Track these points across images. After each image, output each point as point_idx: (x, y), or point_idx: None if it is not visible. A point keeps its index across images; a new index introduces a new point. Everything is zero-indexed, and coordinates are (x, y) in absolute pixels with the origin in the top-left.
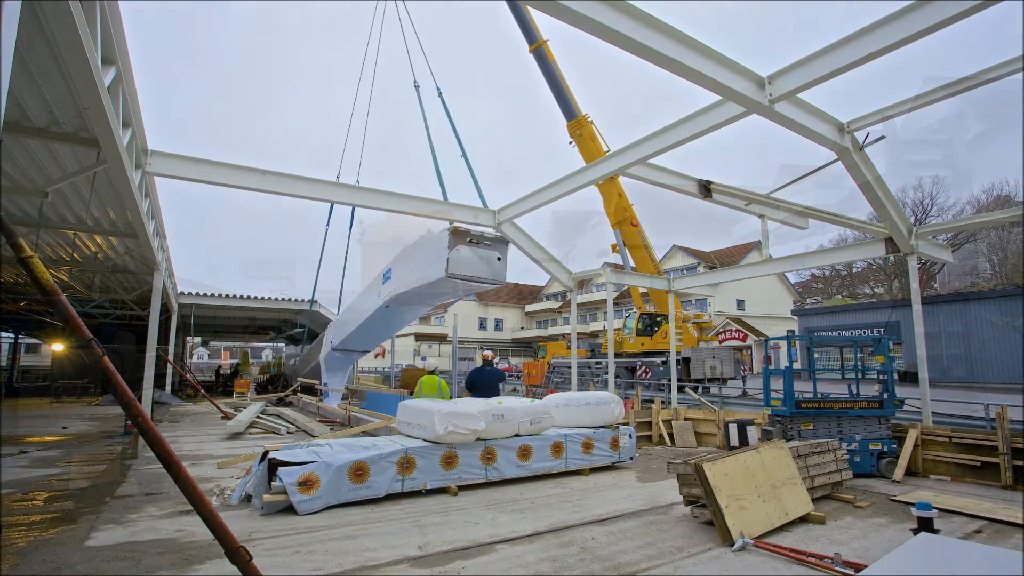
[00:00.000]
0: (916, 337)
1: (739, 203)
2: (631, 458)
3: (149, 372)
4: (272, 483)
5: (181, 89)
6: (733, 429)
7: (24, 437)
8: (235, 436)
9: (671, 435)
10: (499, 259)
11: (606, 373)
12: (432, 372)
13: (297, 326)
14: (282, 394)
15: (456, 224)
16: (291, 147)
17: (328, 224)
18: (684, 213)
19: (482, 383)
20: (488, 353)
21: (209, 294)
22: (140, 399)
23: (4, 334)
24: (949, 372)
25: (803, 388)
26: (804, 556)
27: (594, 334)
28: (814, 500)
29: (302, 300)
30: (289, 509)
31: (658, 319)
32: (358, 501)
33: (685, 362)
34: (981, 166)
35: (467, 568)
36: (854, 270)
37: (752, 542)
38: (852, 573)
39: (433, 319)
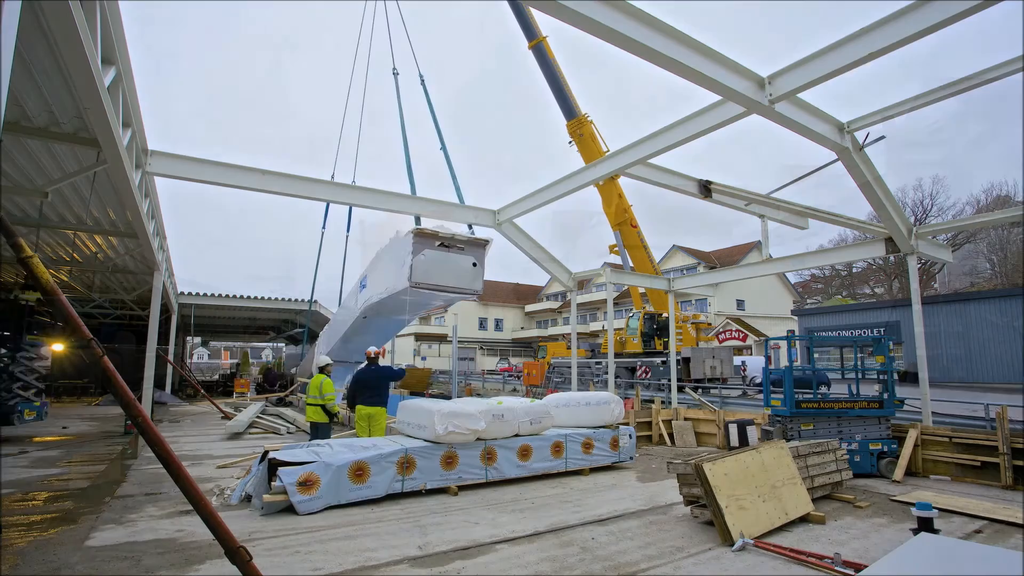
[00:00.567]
0: (916, 337)
1: (739, 203)
2: (631, 458)
3: (149, 372)
4: (272, 483)
5: (181, 89)
6: (733, 429)
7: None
8: (235, 436)
9: (671, 435)
10: (474, 265)
11: (606, 373)
12: (324, 369)
13: (297, 326)
14: (282, 394)
15: (421, 226)
16: (292, 145)
17: (324, 226)
18: (686, 212)
19: (365, 384)
20: (372, 349)
21: (209, 294)
22: (140, 399)
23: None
24: (949, 372)
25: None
26: (804, 556)
27: (594, 334)
28: (814, 500)
29: (302, 300)
30: (289, 509)
31: (659, 320)
32: (358, 501)
33: (685, 362)
34: (981, 166)
35: (467, 568)
36: (854, 270)
37: (752, 542)
38: (852, 573)
39: (433, 319)
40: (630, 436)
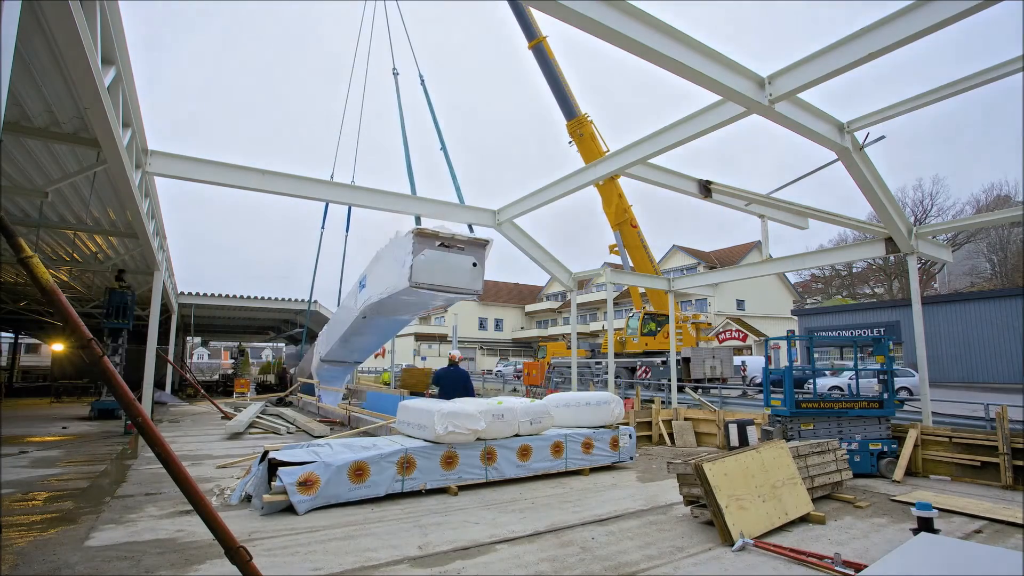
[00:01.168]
0: (916, 337)
1: (739, 203)
2: (631, 458)
3: (149, 372)
4: (272, 483)
5: (181, 88)
6: (733, 429)
7: (24, 437)
8: (235, 436)
9: (671, 435)
10: (475, 265)
11: (606, 373)
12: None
13: (297, 326)
14: (282, 394)
15: (421, 226)
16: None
17: (323, 226)
18: (687, 212)
19: (447, 384)
20: (454, 353)
21: (209, 294)
22: (140, 399)
23: (4, 334)
24: (949, 372)
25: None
26: (804, 556)
27: (594, 334)
28: (814, 500)
29: (302, 300)
30: (289, 509)
31: (659, 319)
32: (358, 501)
33: (685, 362)
34: (981, 166)
35: (467, 568)
36: (854, 270)
37: (752, 542)
38: (852, 573)
39: (433, 319)
40: (630, 436)
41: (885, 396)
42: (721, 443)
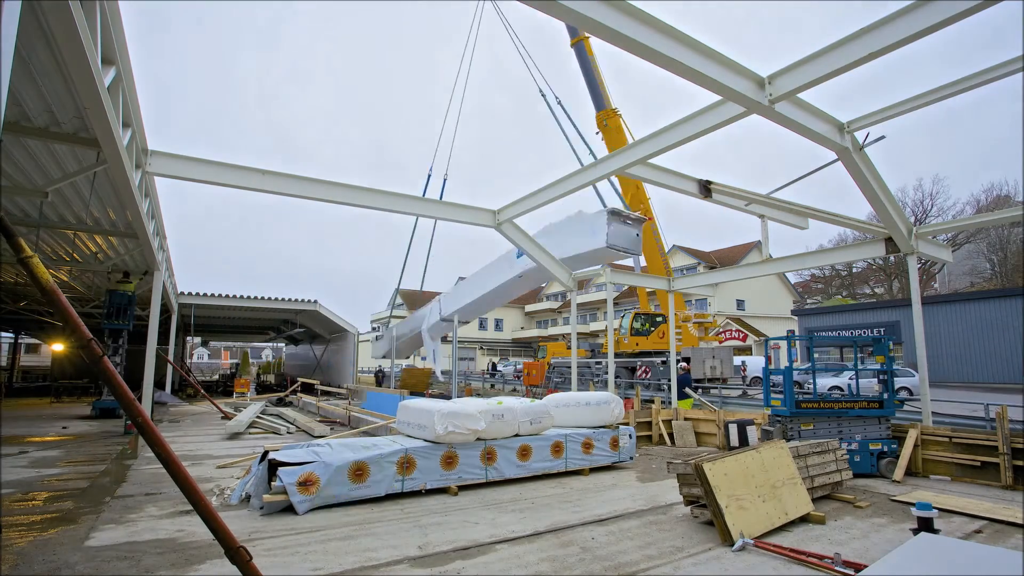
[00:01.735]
0: (916, 337)
1: (739, 203)
2: (631, 458)
3: (149, 372)
4: (272, 483)
5: (182, 88)
6: (733, 429)
7: (24, 437)
8: (235, 436)
9: (671, 435)
10: (637, 235)
11: (606, 373)
12: None
13: (297, 326)
14: (282, 394)
15: (614, 207)
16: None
17: (412, 236)
18: (686, 212)
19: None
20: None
21: (209, 294)
22: (140, 399)
23: (4, 334)
24: (949, 372)
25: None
26: (804, 556)
27: (594, 334)
28: (814, 500)
29: (302, 300)
30: (289, 509)
31: (656, 319)
32: (358, 501)
33: (686, 361)
34: (981, 166)
35: (467, 568)
36: (854, 270)
37: (752, 542)
38: (852, 573)
39: None
40: (630, 436)
41: (885, 396)
42: (721, 443)
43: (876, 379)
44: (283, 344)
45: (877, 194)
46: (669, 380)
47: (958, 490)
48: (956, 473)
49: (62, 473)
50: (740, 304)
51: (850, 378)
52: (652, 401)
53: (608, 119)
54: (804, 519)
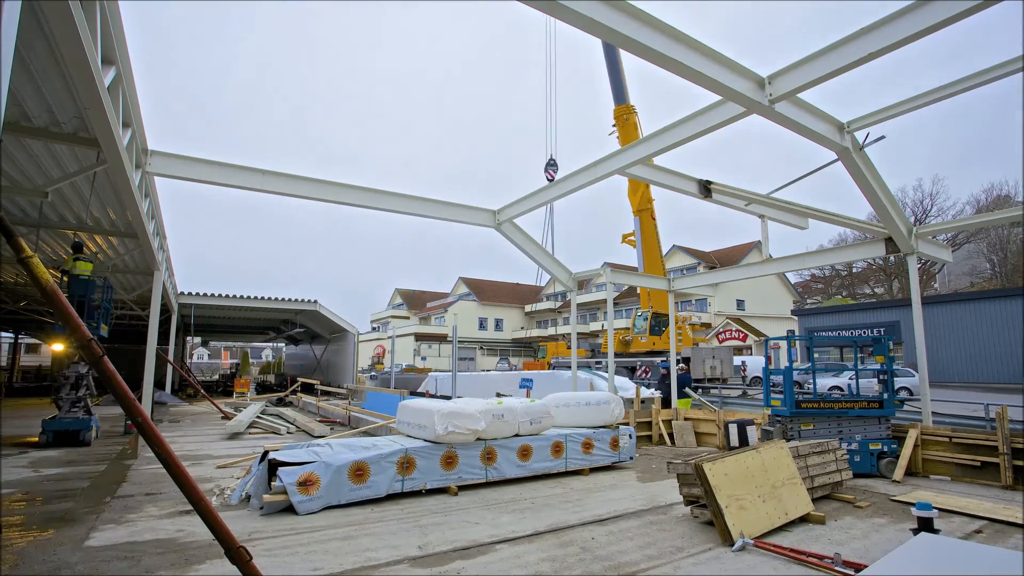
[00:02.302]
0: (916, 337)
1: (739, 203)
2: (631, 458)
3: (149, 372)
4: (272, 483)
5: (184, 87)
6: (733, 429)
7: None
8: (235, 436)
9: (671, 435)
10: None
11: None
12: None
13: (297, 326)
14: (282, 394)
15: None
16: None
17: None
18: (687, 212)
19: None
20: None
21: (209, 294)
22: (140, 399)
23: (4, 334)
24: (949, 372)
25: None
26: (804, 556)
27: (594, 334)
28: (814, 500)
29: (302, 300)
30: (289, 509)
31: (663, 319)
32: (358, 501)
33: (685, 362)
34: (981, 166)
35: (467, 568)
36: (854, 270)
37: (752, 542)
38: (852, 573)
39: (433, 319)
40: (630, 436)
41: (885, 396)
42: (721, 443)
43: (876, 379)
44: (283, 344)
45: (877, 194)
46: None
47: (958, 490)
48: (956, 473)
49: (62, 473)
50: (740, 304)
51: (850, 378)
52: (652, 401)
53: (628, 114)
54: (804, 519)
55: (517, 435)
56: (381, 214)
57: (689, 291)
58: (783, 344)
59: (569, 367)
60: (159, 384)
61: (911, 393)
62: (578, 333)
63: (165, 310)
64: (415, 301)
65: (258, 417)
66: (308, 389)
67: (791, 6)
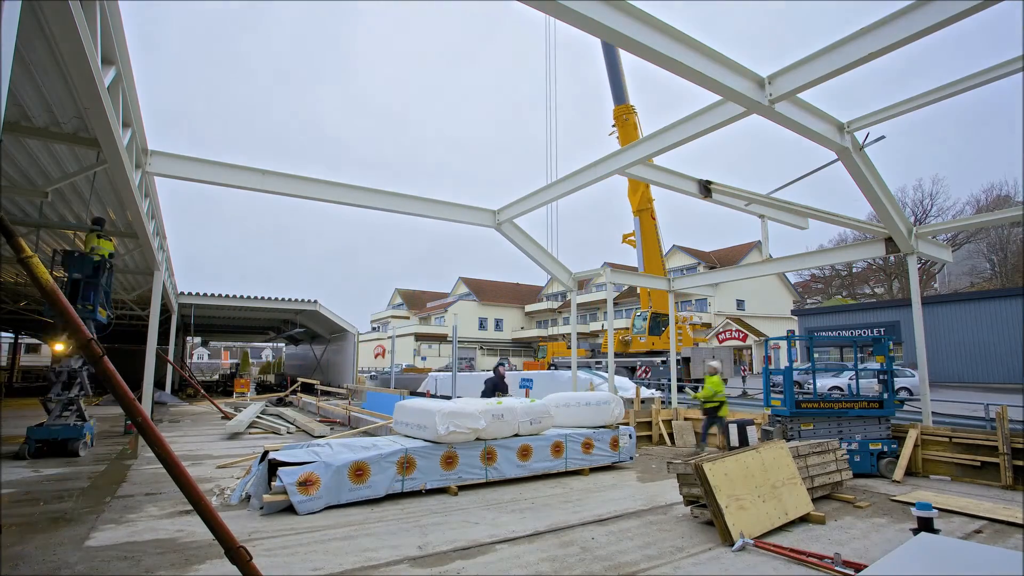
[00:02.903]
0: (916, 337)
1: (739, 203)
2: (631, 458)
3: (149, 372)
4: (272, 483)
5: (184, 86)
6: (733, 429)
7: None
8: (235, 436)
9: (671, 435)
10: None
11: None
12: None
13: (297, 326)
14: (282, 394)
15: None
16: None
17: None
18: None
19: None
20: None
21: (209, 294)
22: (140, 399)
23: (4, 334)
24: (948, 372)
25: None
26: (804, 556)
27: (594, 334)
28: (814, 500)
29: (302, 300)
30: (289, 509)
31: (663, 319)
32: (358, 501)
33: (685, 362)
34: (981, 166)
35: (467, 568)
36: (854, 270)
37: (752, 542)
38: (852, 573)
39: (433, 319)
40: (630, 436)
41: (885, 396)
42: (721, 443)
43: (876, 379)
44: (283, 344)
45: (877, 194)
46: (669, 380)
47: (958, 490)
48: (956, 473)
49: (62, 473)
50: (740, 304)
51: (850, 378)
52: (652, 401)
53: (628, 114)
54: (804, 519)
55: (517, 435)
56: (381, 214)
57: (689, 291)
58: (783, 344)
59: (569, 367)
60: (159, 384)
61: (911, 393)
62: (578, 333)
63: (165, 310)
64: (415, 301)
65: (258, 417)
66: (308, 389)
67: (792, 6)
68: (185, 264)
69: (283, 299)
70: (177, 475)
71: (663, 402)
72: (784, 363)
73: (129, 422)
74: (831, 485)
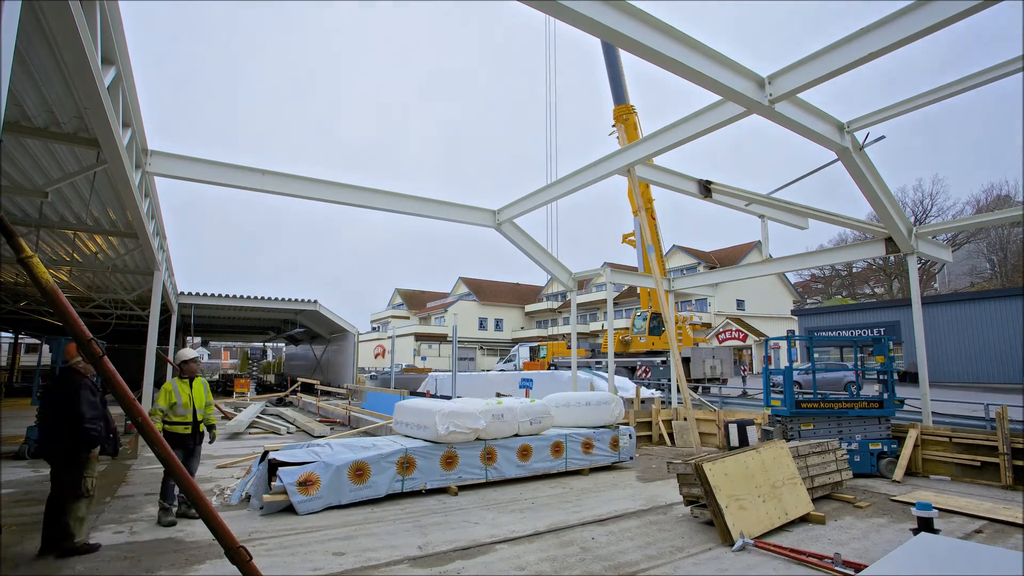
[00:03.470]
0: (916, 337)
1: (739, 203)
2: (631, 458)
3: (149, 372)
4: (272, 483)
5: (185, 86)
6: (733, 429)
7: (24, 437)
8: (235, 436)
9: (671, 435)
10: None
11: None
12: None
13: (297, 326)
14: (282, 394)
15: None
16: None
17: None
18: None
19: None
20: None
21: (209, 294)
22: (140, 399)
23: (4, 334)
24: (949, 372)
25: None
26: (804, 556)
27: (594, 334)
28: (814, 500)
29: (302, 300)
30: (289, 509)
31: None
32: (358, 501)
33: (685, 362)
34: (981, 166)
35: (467, 568)
36: (854, 270)
37: (752, 542)
38: (852, 573)
39: (433, 319)
40: (630, 436)
41: (885, 396)
42: (721, 443)
43: (876, 379)
44: (283, 344)
45: (877, 194)
46: (669, 380)
47: (958, 490)
48: (956, 473)
49: None
50: (740, 304)
51: (852, 379)
52: (652, 401)
53: (628, 114)
54: (804, 519)
55: (517, 435)
56: (381, 214)
57: (689, 291)
58: (783, 344)
59: (569, 367)
60: (159, 384)
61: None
62: (578, 333)
63: (165, 310)
64: (415, 301)
65: (258, 417)
66: (308, 389)
67: (792, 6)
68: (185, 264)
69: (283, 299)
70: (177, 475)
71: (663, 402)
72: (784, 363)
73: (129, 422)
74: (831, 485)
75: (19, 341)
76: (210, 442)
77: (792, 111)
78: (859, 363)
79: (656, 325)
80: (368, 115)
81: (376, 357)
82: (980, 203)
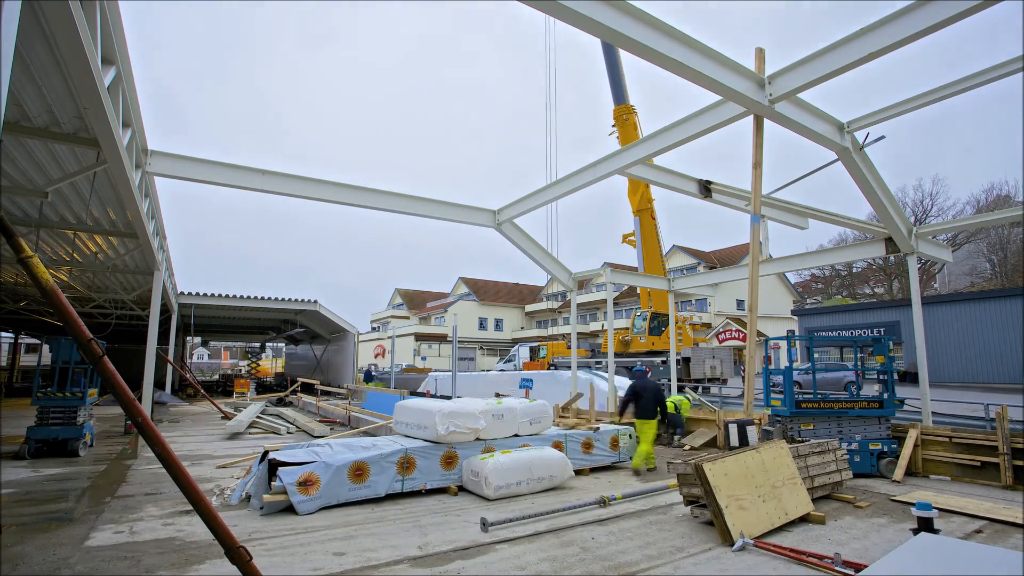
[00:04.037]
0: (916, 337)
1: (739, 203)
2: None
3: (149, 372)
4: (272, 483)
5: (186, 85)
6: (733, 429)
7: (24, 437)
8: (235, 436)
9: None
10: None
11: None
12: None
13: (297, 326)
14: (282, 394)
15: None
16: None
17: None
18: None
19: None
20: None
21: (209, 294)
22: (140, 399)
23: (4, 334)
24: (949, 372)
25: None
26: (804, 556)
27: (594, 334)
28: (814, 500)
29: (302, 300)
30: (289, 509)
31: (663, 319)
32: (358, 501)
33: (685, 362)
34: (981, 166)
35: (467, 568)
36: (854, 270)
37: (752, 542)
38: (852, 573)
39: (433, 319)
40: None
41: (885, 396)
42: (721, 443)
43: (876, 379)
44: (283, 344)
45: (877, 194)
46: (669, 380)
47: (958, 490)
48: (956, 473)
49: (62, 473)
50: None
51: (854, 377)
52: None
53: (627, 114)
54: (804, 519)
55: (517, 435)
56: (381, 214)
57: (689, 291)
58: (783, 344)
59: (569, 367)
60: (159, 384)
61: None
62: (578, 333)
63: (165, 310)
64: (415, 301)
65: (258, 417)
66: (308, 389)
67: (792, 6)
68: (185, 264)
69: (283, 299)
70: (177, 475)
71: None
72: (784, 363)
73: (129, 422)
74: (831, 485)
75: (19, 341)
76: None
77: (792, 111)
78: (859, 363)
79: (656, 325)
80: (368, 115)
81: (376, 357)
82: (980, 203)
